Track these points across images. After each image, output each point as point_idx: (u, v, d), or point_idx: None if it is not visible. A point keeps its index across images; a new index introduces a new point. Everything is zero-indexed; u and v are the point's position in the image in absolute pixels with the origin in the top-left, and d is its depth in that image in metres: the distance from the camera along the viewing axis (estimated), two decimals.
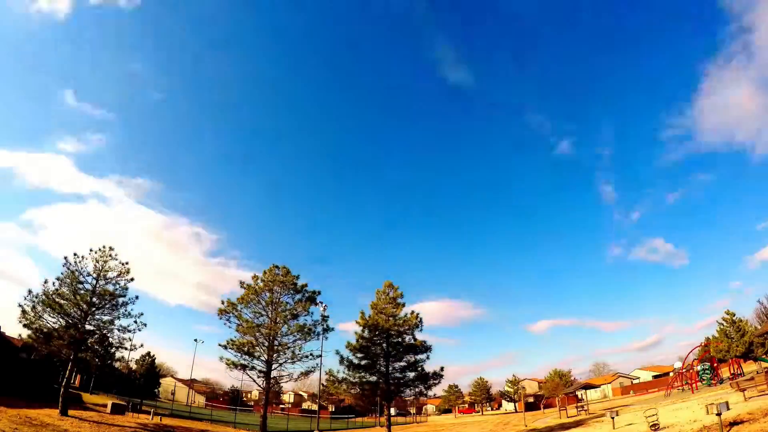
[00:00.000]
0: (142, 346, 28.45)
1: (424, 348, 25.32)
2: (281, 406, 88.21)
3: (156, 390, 58.09)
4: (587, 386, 57.29)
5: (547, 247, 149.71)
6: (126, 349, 22.62)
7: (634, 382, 74.50)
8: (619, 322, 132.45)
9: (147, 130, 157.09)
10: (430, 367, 25.54)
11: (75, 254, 21.79)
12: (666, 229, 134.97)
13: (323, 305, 27.90)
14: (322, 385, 32.75)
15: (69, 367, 20.69)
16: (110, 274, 22.42)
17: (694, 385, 36.01)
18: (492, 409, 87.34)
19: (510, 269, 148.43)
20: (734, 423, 13.66)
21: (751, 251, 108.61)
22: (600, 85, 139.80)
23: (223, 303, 23.47)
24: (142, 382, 50.66)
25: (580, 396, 50.09)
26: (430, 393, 27.56)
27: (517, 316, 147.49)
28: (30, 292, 20.18)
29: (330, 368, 25.98)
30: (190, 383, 70.04)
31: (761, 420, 13.26)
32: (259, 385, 23.95)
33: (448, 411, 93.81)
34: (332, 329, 25.20)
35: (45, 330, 20.31)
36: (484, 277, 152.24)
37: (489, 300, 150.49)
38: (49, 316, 20.54)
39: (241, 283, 24.24)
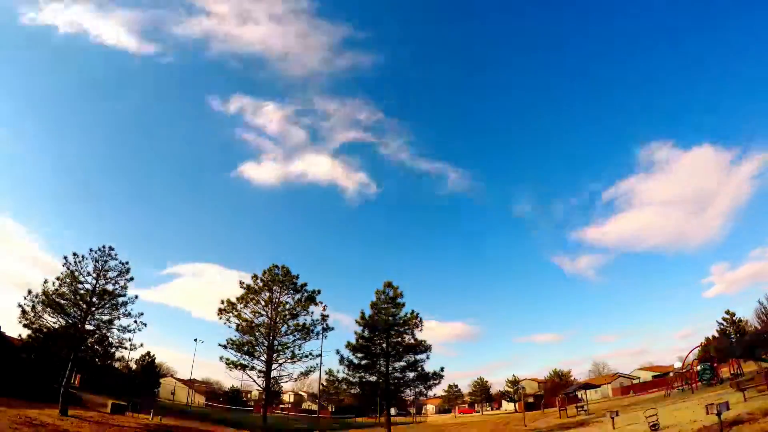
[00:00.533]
0: (141, 345, 28.36)
1: (424, 348, 25.32)
2: (281, 406, 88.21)
3: (156, 390, 58.06)
4: (587, 386, 57.19)
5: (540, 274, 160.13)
6: (126, 348, 22.66)
7: (634, 382, 74.39)
8: (613, 335, 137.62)
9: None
10: (429, 367, 25.59)
11: (75, 254, 21.81)
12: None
13: (323, 305, 27.89)
14: (322, 385, 32.76)
15: (69, 367, 20.69)
16: (110, 274, 22.42)
17: (694, 385, 36.00)
18: (492, 409, 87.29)
19: (507, 295, 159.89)
20: (734, 423, 13.64)
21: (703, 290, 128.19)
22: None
23: (222, 303, 23.48)
24: (142, 382, 50.62)
25: (580, 396, 50.07)
26: (430, 393, 27.60)
27: (516, 332, 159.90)
28: (30, 292, 20.21)
29: (330, 368, 25.99)
30: (190, 383, 70.01)
31: (761, 420, 13.25)
32: (259, 385, 23.96)
33: (447, 411, 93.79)
34: (332, 329, 25.25)
35: (45, 330, 20.32)
36: (486, 300, 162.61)
37: (490, 320, 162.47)
38: (49, 316, 20.55)
39: (241, 283, 24.27)
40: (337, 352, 25.05)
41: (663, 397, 36.97)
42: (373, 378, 25.13)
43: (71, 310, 20.96)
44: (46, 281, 21.00)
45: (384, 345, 25.23)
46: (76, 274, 21.52)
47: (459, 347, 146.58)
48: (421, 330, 25.58)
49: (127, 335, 22.20)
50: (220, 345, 23.05)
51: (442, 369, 25.30)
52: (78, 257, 21.78)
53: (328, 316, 25.64)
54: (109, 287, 22.20)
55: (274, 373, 23.55)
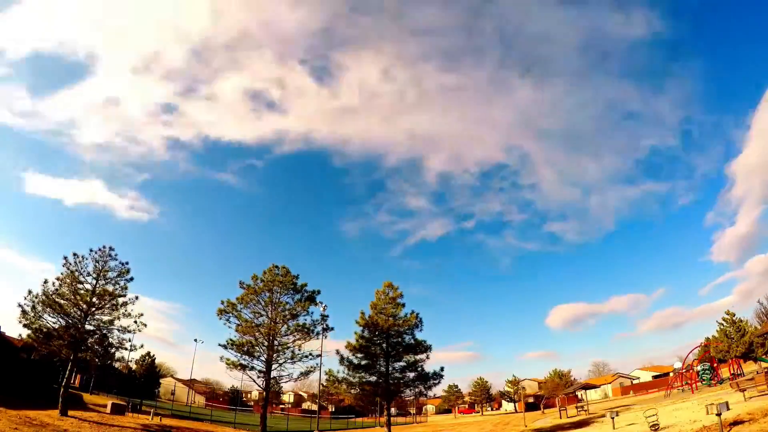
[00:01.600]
0: (142, 346, 27.87)
1: (424, 348, 25.31)
2: (281, 406, 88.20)
3: (156, 390, 58.08)
4: (587, 386, 57.24)
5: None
6: (126, 349, 22.58)
7: (634, 382, 74.48)
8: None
9: None
10: (429, 367, 25.60)
11: (75, 254, 21.78)
12: None
13: (323, 305, 27.90)
14: (322, 385, 32.77)
15: (69, 367, 20.68)
16: (110, 274, 22.38)
17: (694, 385, 36.00)
18: (492, 410, 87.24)
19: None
20: (734, 423, 13.65)
21: None
22: None
23: (222, 303, 23.48)
24: (142, 382, 50.65)
25: (580, 396, 50.08)
26: (430, 393, 27.59)
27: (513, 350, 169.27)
28: (30, 292, 20.18)
29: (330, 368, 25.99)
30: (190, 383, 70.02)
31: (761, 420, 13.25)
32: (259, 385, 23.95)
33: (447, 411, 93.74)
34: (332, 329, 25.23)
35: (45, 330, 20.29)
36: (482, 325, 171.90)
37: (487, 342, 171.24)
38: (49, 316, 20.52)
39: (241, 284, 24.24)
40: (337, 352, 25.09)
41: (663, 397, 36.97)
42: (373, 378, 25.13)
43: (71, 311, 20.94)
44: (46, 281, 20.99)
45: (384, 345, 25.23)
46: (76, 274, 21.50)
47: (464, 362, 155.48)
48: (421, 330, 25.61)
49: (127, 336, 22.18)
50: (220, 345, 23.07)
51: (442, 369, 25.34)
52: (78, 257, 21.77)
53: (327, 316, 25.61)
54: (110, 287, 22.18)
55: (274, 373, 23.55)
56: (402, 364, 25.34)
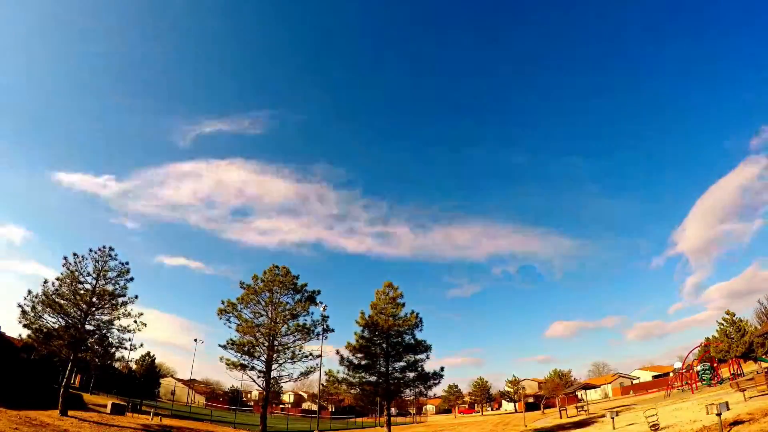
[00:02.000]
0: (141, 346, 27.85)
1: (424, 348, 25.31)
2: (281, 406, 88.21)
3: (156, 390, 58.11)
4: (587, 386, 57.28)
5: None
6: (126, 349, 22.58)
7: (634, 382, 74.51)
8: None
9: None
10: (429, 367, 25.58)
11: (75, 254, 21.79)
12: None
13: (323, 305, 27.89)
14: (322, 385, 32.72)
15: (69, 367, 20.68)
16: (110, 274, 22.39)
17: (694, 385, 36.01)
18: (492, 410, 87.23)
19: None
20: (734, 423, 13.65)
21: None
22: None
23: (222, 303, 23.45)
24: (142, 382, 50.67)
25: (580, 396, 50.09)
26: (430, 393, 27.56)
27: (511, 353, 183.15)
28: (30, 292, 20.18)
29: (330, 368, 25.96)
30: (190, 383, 70.05)
31: (761, 420, 13.26)
32: (259, 385, 23.92)
33: (447, 411, 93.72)
34: (332, 330, 25.18)
35: (45, 330, 20.30)
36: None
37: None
38: (49, 316, 20.52)
39: (241, 284, 24.22)
40: (337, 352, 25.07)
41: (663, 397, 36.98)
42: (373, 378, 25.12)
43: (71, 311, 20.94)
44: (46, 281, 20.98)
45: (384, 345, 25.22)
46: (76, 274, 21.51)
47: (468, 365, 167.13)
48: (421, 330, 25.59)
49: (127, 335, 22.18)
50: (220, 345, 23.04)
51: (442, 369, 25.31)
52: (78, 257, 21.77)
53: (328, 316, 25.54)
54: (109, 287, 22.18)
55: (274, 374, 23.52)
56: (402, 364, 25.32)
